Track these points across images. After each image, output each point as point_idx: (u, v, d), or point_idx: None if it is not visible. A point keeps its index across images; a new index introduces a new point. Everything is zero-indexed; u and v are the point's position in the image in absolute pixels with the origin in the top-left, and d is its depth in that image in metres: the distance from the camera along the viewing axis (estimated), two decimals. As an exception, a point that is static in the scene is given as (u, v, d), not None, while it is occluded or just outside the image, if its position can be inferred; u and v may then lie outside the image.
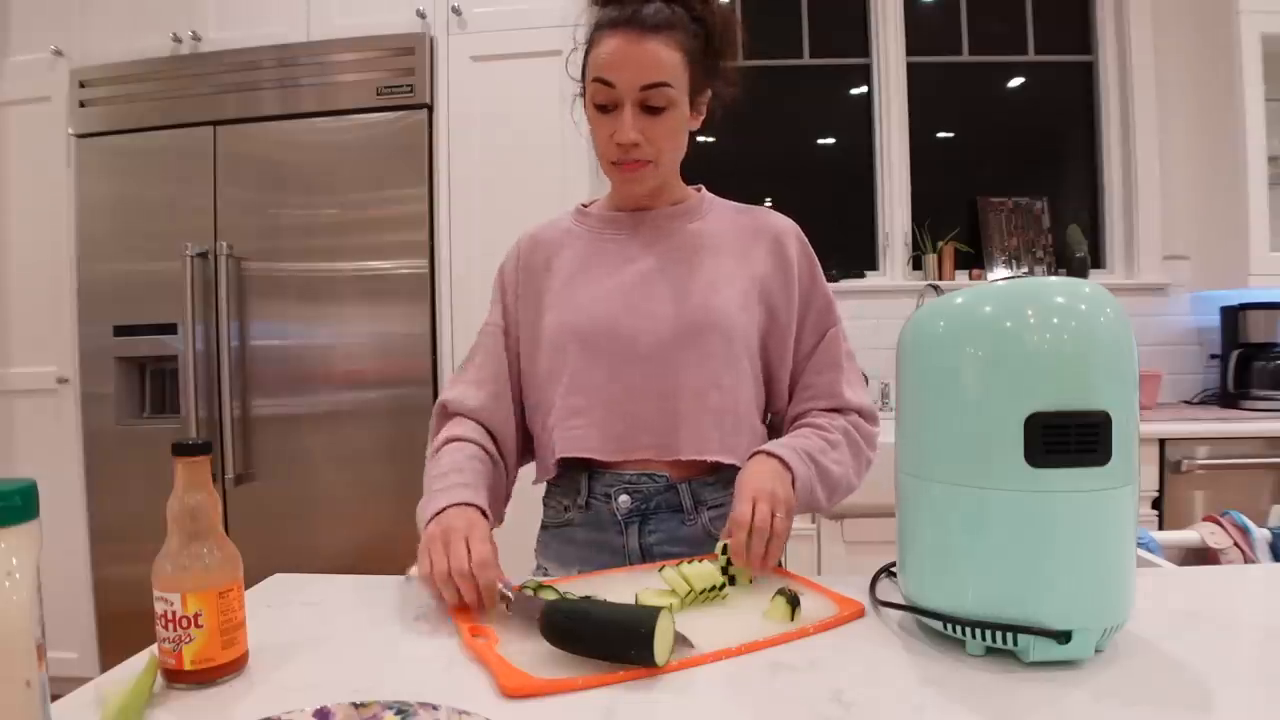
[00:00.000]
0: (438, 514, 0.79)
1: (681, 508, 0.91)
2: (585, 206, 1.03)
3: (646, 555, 0.91)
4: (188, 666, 0.57)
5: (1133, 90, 2.51)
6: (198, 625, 0.57)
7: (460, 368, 1.01)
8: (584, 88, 0.92)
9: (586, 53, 0.90)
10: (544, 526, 1.01)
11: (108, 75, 2.16)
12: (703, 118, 0.95)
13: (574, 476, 0.94)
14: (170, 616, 0.57)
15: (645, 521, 0.91)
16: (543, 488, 1.01)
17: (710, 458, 0.90)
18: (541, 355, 0.95)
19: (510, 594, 0.67)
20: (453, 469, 0.87)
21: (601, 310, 0.92)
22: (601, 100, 0.87)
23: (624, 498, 0.91)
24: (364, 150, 2.07)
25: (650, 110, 0.86)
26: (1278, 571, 0.97)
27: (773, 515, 0.76)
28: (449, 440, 0.92)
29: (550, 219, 1.04)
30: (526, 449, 1.01)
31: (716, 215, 0.99)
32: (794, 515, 0.81)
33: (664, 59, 0.84)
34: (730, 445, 0.91)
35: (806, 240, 0.99)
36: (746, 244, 0.96)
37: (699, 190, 1.02)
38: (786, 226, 0.98)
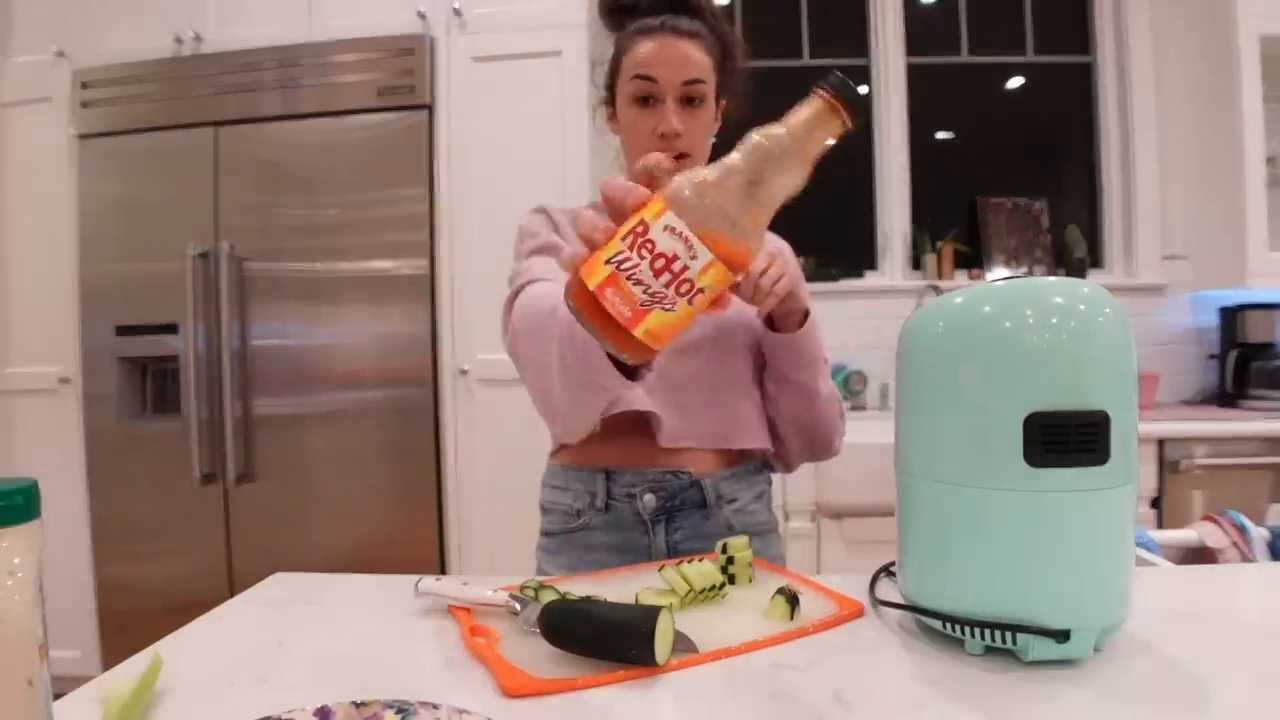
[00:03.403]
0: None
1: (705, 503, 0.92)
2: (599, 205, 1.03)
3: (673, 554, 0.91)
4: (637, 332, 0.43)
5: (1131, 91, 2.51)
6: (688, 304, 0.43)
7: (515, 280, 0.89)
8: (610, 95, 0.97)
9: (617, 60, 0.95)
10: (549, 534, 0.98)
11: (109, 76, 2.16)
12: (719, 125, 0.99)
13: (588, 478, 0.94)
14: (675, 265, 0.42)
15: (671, 519, 0.92)
16: (538, 494, 1.01)
17: (759, 446, 0.95)
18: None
19: (518, 607, 0.67)
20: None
21: None
22: (643, 94, 0.91)
23: (649, 496, 0.91)
24: (365, 150, 2.08)
25: (689, 105, 0.91)
26: (1276, 571, 0.97)
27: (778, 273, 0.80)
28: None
29: (563, 209, 1.02)
30: None
31: None
32: (795, 292, 0.85)
33: (701, 59, 0.91)
34: (767, 434, 0.96)
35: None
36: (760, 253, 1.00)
37: None
38: (783, 244, 1.05)
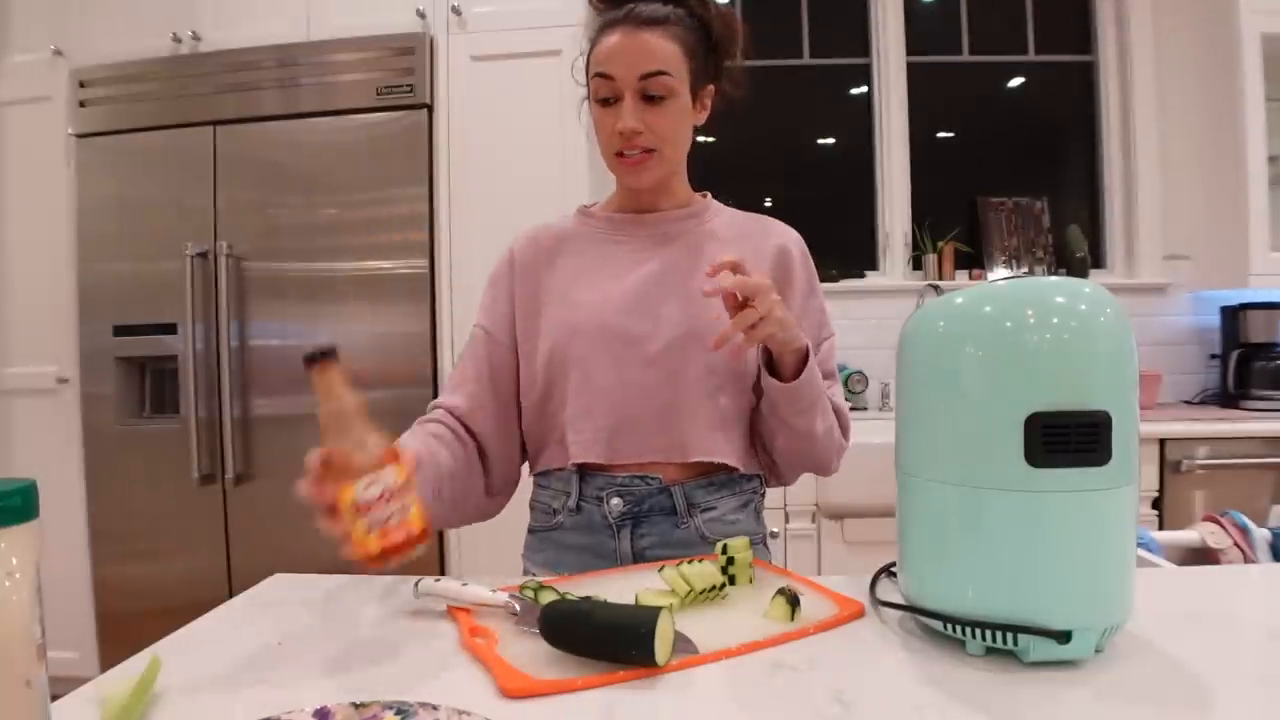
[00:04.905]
0: None
1: (675, 510, 0.90)
2: (587, 208, 1.03)
3: (638, 559, 0.90)
4: (417, 529, 0.61)
5: (1133, 90, 2.51)
6: (409, 491, 0.62)
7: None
8: (588, 89, 0.93)
9: (589, 55, 0.92)
10: (531, 530, 0.99)
11: (108, 75, 2.16)
12: (706, 113, 0.96)
13: (564, 478, 0.93)
14: (389, 492, 0.60)
15: (637, 525, 0.90)
16: (529, 490, 1.01)
17: (719, 459, 0.90)
18: (539, 355, 0.93)
19: (517, 607, 0.67)
20: (407, 438, 0.87)
21: (609, 312, 0.91)
22: (604, 94, 0.88)
23: (616, 500, 0.90)
24: (364, 150, 2.07)
25: (650, 100, 0.87)
26: (1278, 571, 0.97)
27: (762, 297, 0.75)
28: (417, 423, 0.93)
29: (546, 222, 1.03)
30: (520, 444, 1.00)
31: (723, 221, 1.00)
32: (765, 329, 0.78)
33: (661, 49, 0.86)
34: (737, 448, 0.92)
35: (807, 251, 1.00)
36: (750, 251, 0.96)
37: (705, 196, 1.02)
38: (791, 236, 1.00)
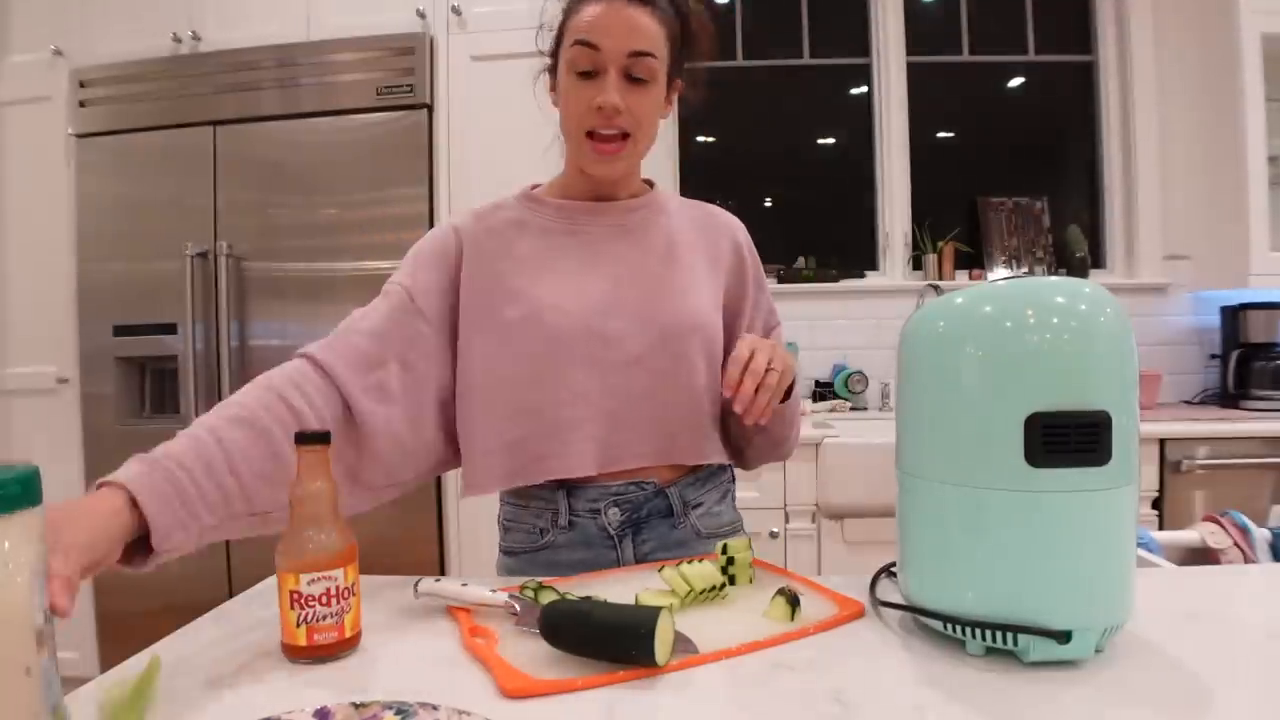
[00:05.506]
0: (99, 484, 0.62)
1: (672, 512, 0.89)
2: (532, 192, 0.96)
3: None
4: (348, 634, 0.62)
5: (1133, 90, 2.51)
6: (353, 594, 0.62)
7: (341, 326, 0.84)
8: (553, 63, 0.89)
9: (562, 24, 0.87)
10: (510, 552, 0.92)
11: (107, 75, 2.16)
12: (671, 109, 0.93)
13: (548, 495, 0.88)
14: (334, 591, 0.61)
15: (638, 532, 0.88)
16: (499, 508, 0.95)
17: (713, 461, 0.90)
18: (507, 355, 0.85)
19: (517, 607, 0.67)
20: (181, 434, 0.68)
21: (583, 313, 0.85)
22: (584, 65, 0.83)
23: (614, 511, 0.87)
24: (364, 150, 2.07)
25: (633, 81, 0.83)
26: (1278, 571, 0.97)
27: (769, 365, 0.76)
28: (242, 389, 0.76)
29: (491, 202, 0.96)
30: (440, 446, 0.91)
31: (677, 210, 0.96)
32: (786, 382, 0.79)
33: (650, 28, 0.83)
34: (719, 444, 0.93)
35: (751, 241, 1.00)
36: (711, 243, 0.95)
37: (652, 185, 0.99)
38: (739, 227, 0.99)
